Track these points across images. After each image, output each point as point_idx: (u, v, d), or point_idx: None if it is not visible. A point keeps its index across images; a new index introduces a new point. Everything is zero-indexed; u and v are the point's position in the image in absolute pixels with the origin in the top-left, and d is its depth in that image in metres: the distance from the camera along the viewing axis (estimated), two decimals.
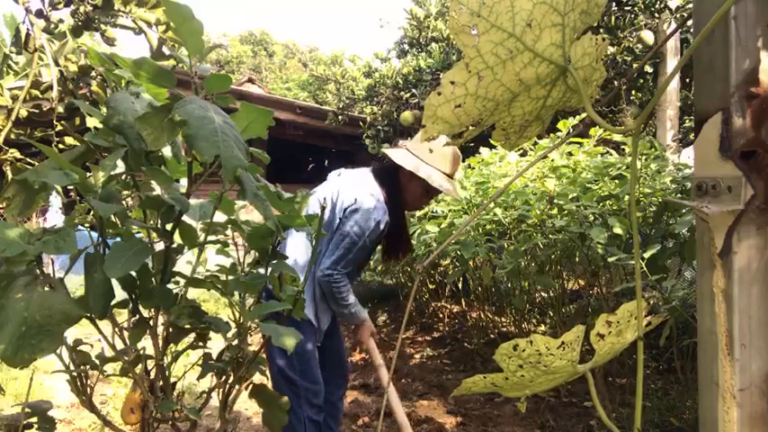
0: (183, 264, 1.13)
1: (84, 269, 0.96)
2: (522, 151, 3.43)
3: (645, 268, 2.11)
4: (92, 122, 1.09)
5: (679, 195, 2.27)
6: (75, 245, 0.88)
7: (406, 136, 7.25)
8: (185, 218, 1.04)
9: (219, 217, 1.14)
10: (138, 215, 1.09)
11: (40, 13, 1.79)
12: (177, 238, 1.05)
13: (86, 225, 1.09)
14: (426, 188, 1.95)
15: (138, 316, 1.09)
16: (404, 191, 1.99)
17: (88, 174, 0.96)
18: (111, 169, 0.95)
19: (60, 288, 0.90)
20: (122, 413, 1.10)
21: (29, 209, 0.96)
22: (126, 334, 1.09)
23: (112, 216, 1.00)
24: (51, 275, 0.93)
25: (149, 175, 1.01)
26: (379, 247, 2.23)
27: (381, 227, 1.90)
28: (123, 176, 1.04)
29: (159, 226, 1.03)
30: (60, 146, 1.81)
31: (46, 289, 0.88)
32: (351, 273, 1.99)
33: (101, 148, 1.01)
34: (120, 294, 1.03)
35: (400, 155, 1.96)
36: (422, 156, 1.94)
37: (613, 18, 4.98)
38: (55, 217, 7.28)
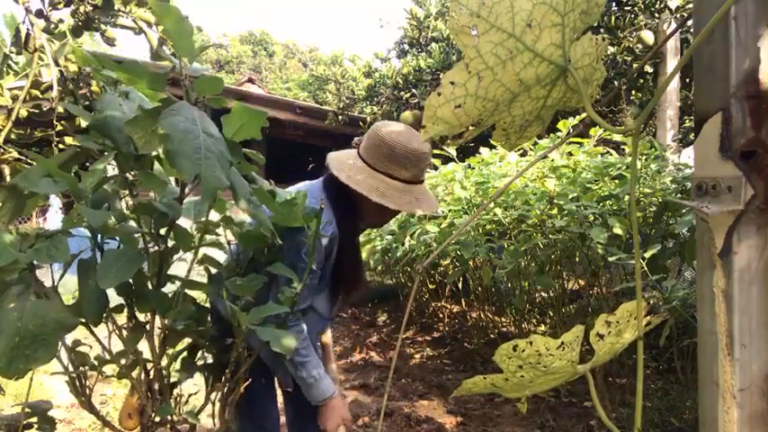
0: (182, 263, 1.13)
1: (77, 276, 0.95)
2: (522, 151, 3.43)
3: (645, 268, 2.11)
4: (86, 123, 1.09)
5: (679, 195, 2.27)
6: (67, 253, 0.87)
7: None
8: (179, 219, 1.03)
9: (213, 215, 1.13)
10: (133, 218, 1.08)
11: (40, 13, 1.79)
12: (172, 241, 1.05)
13: (84, 226, 1.09)
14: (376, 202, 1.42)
15: (134, 320, 1.08)
16: (353, 202, 1.48)
17: (79, 179, 0.95)
18: (101, 174, 0.94)
19: (54, 296, 0.89)
20: (120, 418, 1.10)
21: (19, 214, 0.95)
22: (124, 335, 1.09)
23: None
24: (44, 284, 0.91)
25: (143, 180, 1.00)
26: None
27: (324, 240, 1.42)
28: (117, 179, 1.03)
29: (153, 230, 1.02)
30: (60, 146, 1.80)
31: (39, 298, 0.87)
32: (313, 313, 1.52)
33: (92, 150, 1.00)
34: (116, 299, 1.03)
35: (340, 160, 1.49)
36: (367, 157, 1.45)
37: (613, 18, 4.98)
38: (55, 217, 7.27)
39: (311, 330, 1.51)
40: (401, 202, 1.41)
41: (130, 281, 1.01)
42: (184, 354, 1.22)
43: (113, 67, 0.95)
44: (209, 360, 1.25)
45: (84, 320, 0.96)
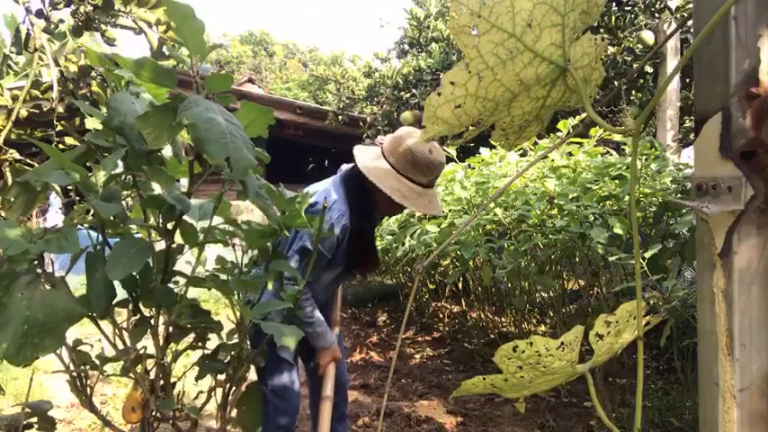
0: (182, 263, 1.13)
1: (85, 268, 0.96)
2: (522, 151, 3.43)
3: (645, 268, 2.11)
4: (91, 123, 1.09)
5: (679, 195, 2.27)
6: (77, 244, 0.88)
7: None
8: (185, 217, 1.04)
9: (219, 218, 1.14)
10: (138, 215, 1.09)
11: (40, 13, 1.79)
12: (177, 238, 1.05)
13: (86, 225, 1.09)
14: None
15: (138, 315, 1.09)
16: (372, 196, 1.72)
17: (89, 173, 0.96)
18: (113, 169, 0.95)
19: (62, 287, 0.90)
20: (123, 412, 1.10)
21: (30, 209, 0.96)
22: (126, 334, 1.09)
23: (112, 216, 1.00)
24: (53, 274, 0.93)
25: (150, 175, 1.01)
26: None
27: (336, 230, 1.65)
28: (123, 176, 1.04)
29: (160, 225, 1.03)
30: (60, 146, 1.80)
31: (48, 287, 0.88)
32: (319, 288, 1.81)
33: (101, 147, 1.01)
34: (121, 293, 1.03)
35: (367, 158, 1.71)
36: (393, 161, 1.68)
37: (613, 18, 4.98)
38: (55, 217, 7.27)
39: (319, 296, 1.82)
40: (417, 203, 1.67)
41: (136, 275, 1.02)
42: (204, 351, 1.23)
43: (125, 63, 0.96)
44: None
45: (90, 313, 0.97)
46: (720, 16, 0.52)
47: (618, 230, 2.28)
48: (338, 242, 1.69)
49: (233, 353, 1.20)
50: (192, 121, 0.80)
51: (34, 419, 1.14)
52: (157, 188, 1.07)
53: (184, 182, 1.08)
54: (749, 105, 0.59)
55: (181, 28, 0.87)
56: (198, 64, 0.92)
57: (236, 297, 1.17)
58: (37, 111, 1.86)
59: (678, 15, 4.54)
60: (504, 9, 0.60)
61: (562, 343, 0.61)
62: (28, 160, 1.87)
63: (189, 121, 0.80)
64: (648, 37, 4.80)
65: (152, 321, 1.09)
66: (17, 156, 1.84)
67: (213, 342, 1.24)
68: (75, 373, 1.08)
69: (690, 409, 2.44)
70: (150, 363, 1.11)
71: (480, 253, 2.80)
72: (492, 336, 3.97)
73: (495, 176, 3.09)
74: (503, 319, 4.25)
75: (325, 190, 1.73)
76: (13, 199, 0.95)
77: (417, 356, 4.02)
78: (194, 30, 0.87)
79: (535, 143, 3.14)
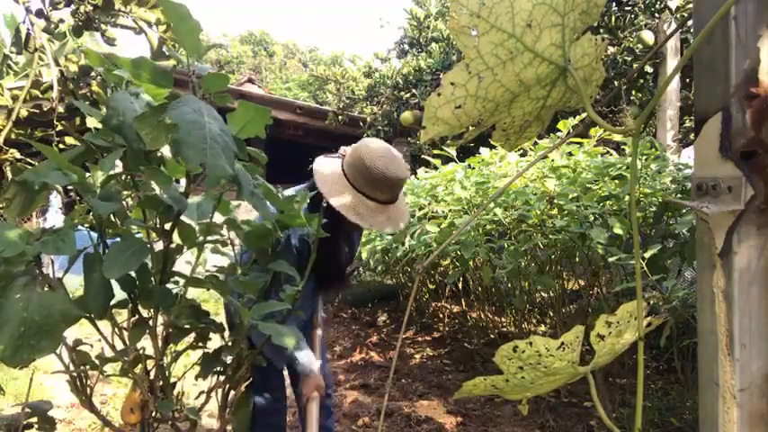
0: (183, 264, 1.13)
1: (83, 269, 0.96)
2: (522, 151, 3.43)
3: (645, 268, 2.11)
4: (92, 122, 1.09)
5: (679, 195, 2.27)
6: (74, 246, 0.88)
7: (405, 136, 7.26)
8: (184, 217, 1.04)
9: (218, 216, 1.14)
10: (138, 215, 1.09)
11: (40, 13, 1.79)
12: (176, 238, 1.05)
13: (86, 225, 1.09)
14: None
15: (137, 316, 1.09)
16: (335, 211, 1.54)
17: (87, 174, 0.96)
18: (110, 169, 0.95)
19: (59, 288, 0.90)
20: (122, 413, 1.10)
21: (29, 209, 0.96)
22: (126, 334, 1.09)
23: (111, 216, 1.00)
24: (50, 275, 0.93)
25: (148, 175, 1.01)
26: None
27: (293, 240, 1.56)
28: (122, 176, 1.04)
29: (158, 226, 1.03)
30: (60, 146, 1.81)
31: (45, 289, 0.88)
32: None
33: (100, 147, 1.01)
34: (119, 294, 1.03)
35: (324, 173, 1.57)
36: (349, 175, 1.55)
37: (613, 18, 4.98)
38: (55, 217, 7.27)
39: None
40: (374, 221, 1.53)
41: (134, 276, 1.02)
42: (206, 351, 1.23)
43: (123, 63, 0.96)
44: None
45: (88, 315, 0.97)
46: (720, 16, 0.52)
47: (618, 230, 2.28)
48: (298, 252, 1.58)
49: (233, 354, 1.20)
50: (175, 121, 0.78)
51: (34, 419, 1.14)
52: (157, 188, 1.06)
53: (184, 181, 1.08)
54: (749, 105, 0.59)
55: (177, 28, 0.86)
56: (194, 64, 0.92)
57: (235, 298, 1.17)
58: (37, 111, 1.86)
59: (678, 15, 4.54)
60: (503, 9, 0.59)
61: (562, 343, 0.61)
62: (29, 159, 1.87)
63: (171, 121, 0.78)
64: (648, 37, 4.80)
65: (150, 322, 1.09)
66: (18, 155, 1.84)
67: (214, 341, 1.24)
68: (75, 373, 1.07)
69: (690, 409, 2.44)
70: (149, 363, 1.11)
71: (480, 253, 2.80)
72: (492, 336, 3.97)
73: (495, 176, 3.09)
74: (503, 319, 4.25)
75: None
76: (10, 198, 0.94)
77: (417, 356, 4.02)
78: (190, 29, 0.86)
79: (535, 143, 3.14)
